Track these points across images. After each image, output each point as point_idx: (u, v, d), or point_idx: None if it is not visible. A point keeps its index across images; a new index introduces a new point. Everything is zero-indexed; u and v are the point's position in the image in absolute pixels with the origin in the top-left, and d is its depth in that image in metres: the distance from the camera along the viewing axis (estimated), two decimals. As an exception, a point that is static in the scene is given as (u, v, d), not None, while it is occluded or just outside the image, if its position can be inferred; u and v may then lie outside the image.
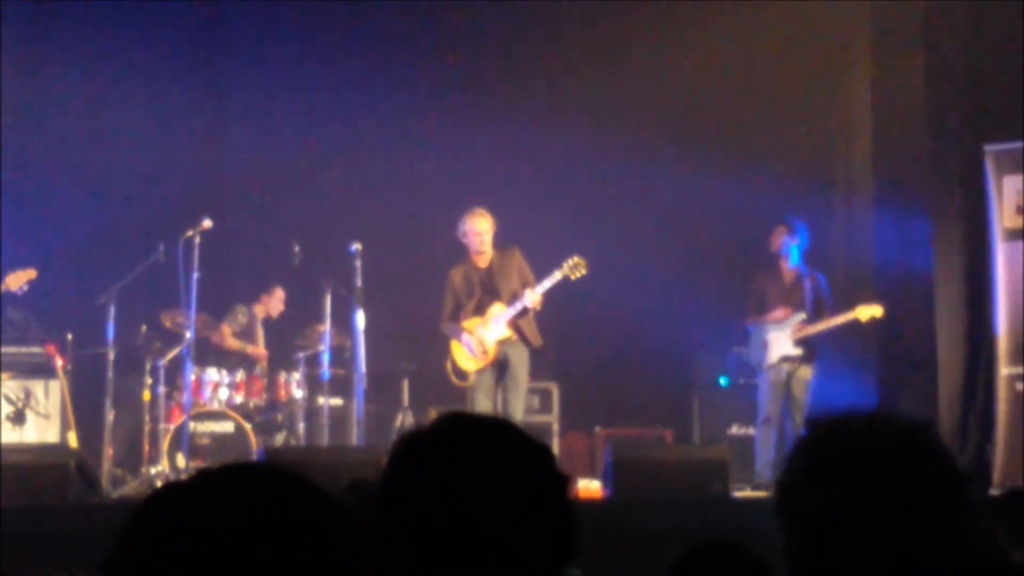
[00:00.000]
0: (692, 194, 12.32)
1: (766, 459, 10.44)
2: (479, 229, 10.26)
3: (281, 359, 11.82)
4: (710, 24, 12.30)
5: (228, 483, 1.47)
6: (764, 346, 10.66)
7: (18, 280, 10.19)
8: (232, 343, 11.79)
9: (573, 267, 10.10)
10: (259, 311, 12.09)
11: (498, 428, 2.12)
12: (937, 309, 11.24)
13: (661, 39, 12.43)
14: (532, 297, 10.10)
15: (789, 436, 10.51)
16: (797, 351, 10.58)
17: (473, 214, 10.29)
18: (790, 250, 10.74)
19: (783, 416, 10.61)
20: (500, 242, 10.35)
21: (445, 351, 10.47)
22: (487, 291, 10.33)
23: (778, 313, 10.64)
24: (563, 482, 2.10)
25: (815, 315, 10.61)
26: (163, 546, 1.39)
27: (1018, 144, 10.63)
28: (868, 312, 10.44)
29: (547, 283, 10.13)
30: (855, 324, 10.56)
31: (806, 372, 10.59)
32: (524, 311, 10.20)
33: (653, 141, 12.52)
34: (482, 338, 10.22)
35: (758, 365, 10.74)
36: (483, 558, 1.96)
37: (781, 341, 10.60)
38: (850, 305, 10.55)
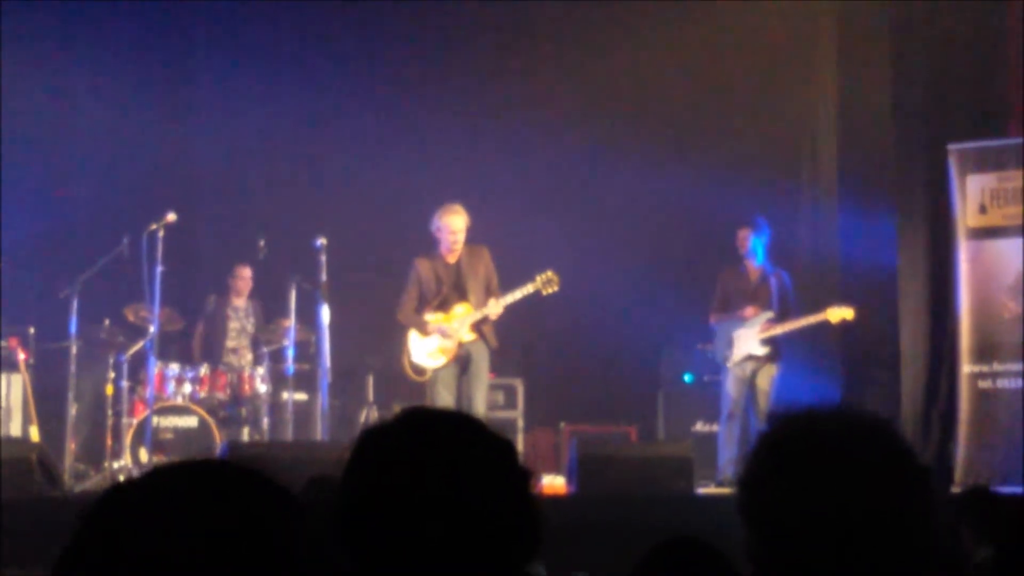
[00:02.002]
0: (658, 192, 12.33)
1: (729, 455, 10.47)
2: (454, 227, 10.16)
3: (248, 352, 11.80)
4: (677, 24, 12.32)
5: (181, 481, 1.45)
6: (730, 343, 10.69)
7: None
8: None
9: (546, 282, 10.05)
10: (232, 297, 11.95)
11: (460, 422, 2.11)
12: (901, 307, 11.31)
13: (629, 39, 12.44)
14: (494, 308, 10.07)
15: (753, 433, 10.54)
16: (763, 350, 10.62)
17: (449, 211, 10.19)
18: (756, 250, 10.78)
19: (747, 413, 10.65)
20: (468, 237, 10.31)
21: (402, 345, 10.42)
22: (454, 289, 10.28)
23: (746, 311, 10.68)
24: (525, 477, 2.09)
25: (781, 314, 10.65)
26: (115, 547, 1.38)
27: (982, 143, 10.71)
28: (839, 314, 10.48)
29: (517, 294, 10.09)
30: (824, 325, 10.61)
31: (771, 371, 10.63)
32: (484, 318, 10.17)
33: (619, 139, 12.54)
34: (447, 335, 10.19)
35: (723, 361, 10.77)
36: (445, 553, 1.96)
37: (748, 339, 10.64)
38: (818, 305, 10.60)
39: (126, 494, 1.46)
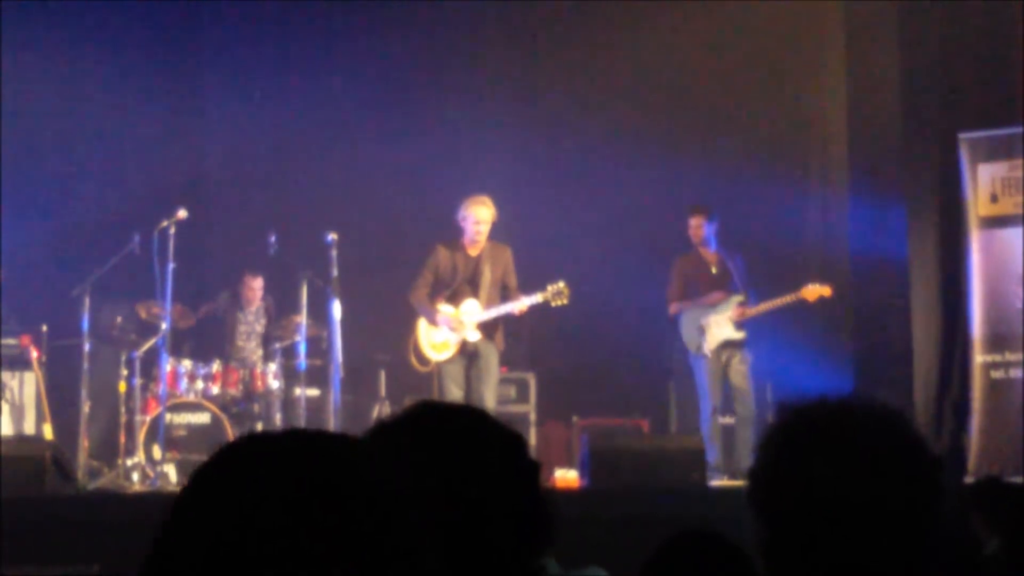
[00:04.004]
0: (669, 183, 12.32)
1: (718, 448, 10.42)
2: (479, 218, 10.17)
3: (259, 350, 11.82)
4: (686, 17, 12.32)
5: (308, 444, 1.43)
6: (701, 331, 10.58)
7: None
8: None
9: (556, 294, 10.02)
10: (243, 303, 11.97)
11: (469, 416, 2.12)
12: (912, 297, 11.28)
13: (638, 30, 12.43)
14: (520, 306, 10.06)
15: (738, 422, 10.51)
16: (739, 334, 10.53)
17: (477, 200, 10.20)
18: (710, 237, 10.72)
19: (729, 403, 10.61)
20: (490, 234, 10.31)
21: (410, 333, 10.42)
22: (468, 282, 10.28)
23: (714, 296, 10.61)
24: (535, 470, 2.10)
25: (746, 297, 10.58)
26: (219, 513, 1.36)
27: (993, 132, 10.68)
28: (816, 291, 10.39)
29: (526, 301, 10.08)
30: (806, 305, 10.51)
31: (746, 356, 10.54)
32: (496, 320, 10.17)
33: (628, 132, 12.51)
34: (454, 330, 10.20)
35: (697, 350, 10.66)
36: (456, 547, 1.96)
37: (721, 325, 10.54)
38: (797, 286, 10.52)
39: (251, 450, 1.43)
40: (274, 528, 1.32)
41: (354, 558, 1.33)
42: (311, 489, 1.35)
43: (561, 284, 10.02)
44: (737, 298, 10.54)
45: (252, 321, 11.91)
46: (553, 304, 10.05)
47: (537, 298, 10.04)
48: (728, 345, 10.54)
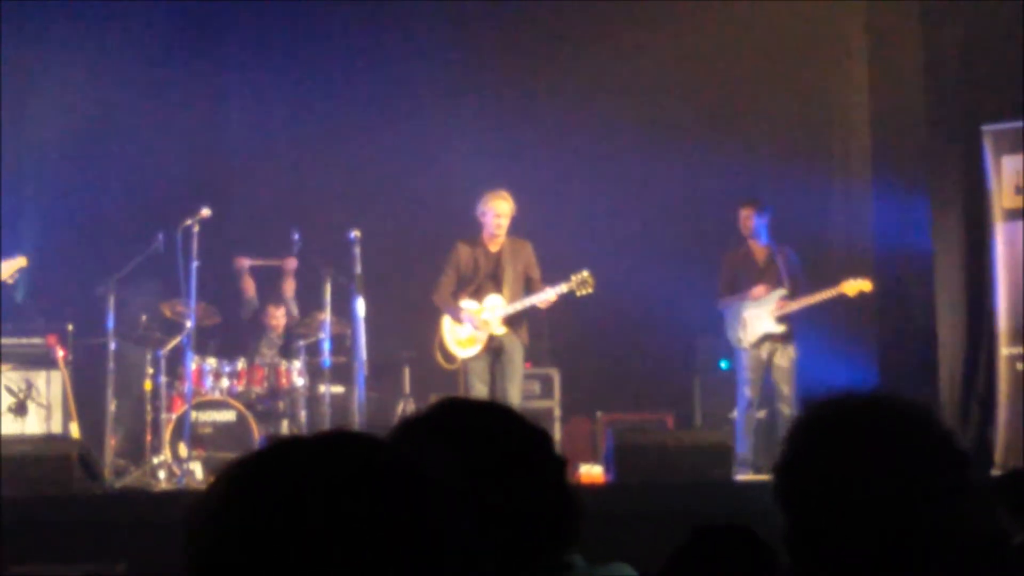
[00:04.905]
0: (692, 177, 12.31)
1: (747, 441, 10.42)
2: (499, 211, 10.23)
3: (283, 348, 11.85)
4: (707, 10, 12.29)
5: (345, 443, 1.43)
6: (742, 325, 10.60)
7: (8, 269, 10.15)
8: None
9: (580, 283, 10.05)
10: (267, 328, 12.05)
11: (495, 412, 2.12)
12: (937, 290, 11.23)
13: (661, 25, 12.40)
14: (546, 297, 10.07)
15: (779, 419, 10.49)
16: (779, 328, 10.52)
17: (496, 195, 10.27)
18: (760, 229, 10.72)
19: (769, 399, 10.59)
20: (511, 230, 10.33)
21: (435, 330, 10.44)
22: (490, 277, 10.31)
23: (759, 290, 10.60)
24: (560, 466, 2.10)
25: (792, 291, 10.57)
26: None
27: (1016, 124, 10.62)
28: (856, 286, 10.38)
29: (551, 292, 10.10)
30: (843, 299, 10.51)
31: (790, 352, 10.53)
32: (520, 313, 10.18)
33: (652, 126, 12.50)
34: (478, 327, 10.22)
35: (737, 344, 10.68)
36: (482, 544, 1.96)
37: (761, 318, 10.55)
38: (836, 280, 10.51)
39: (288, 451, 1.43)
40: (311, 531, 1.32)
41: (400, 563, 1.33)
42: (347, 490, 1.35)
43: (585, 273, 10.04)
44: (780, 292, 10.54)
45: (274, 339, 11.99)
46: (578, 294, 10.07)
47: (562, 288, 10.06)
48: (769, 339, 10.54)
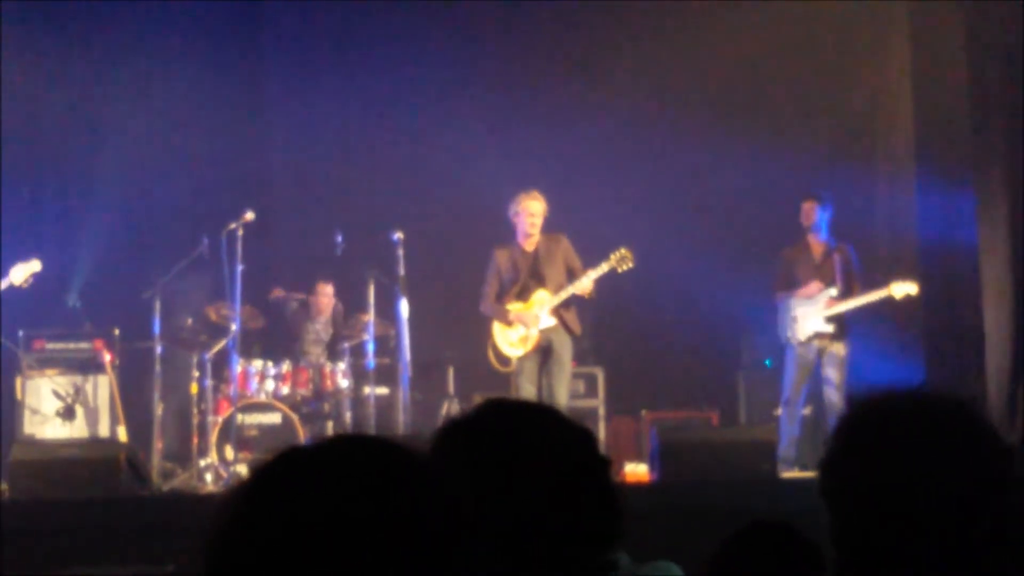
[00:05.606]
0: (737, 174, 12.27)
1: (790, 438, 10.36)
2: (532, 211, 10.26)
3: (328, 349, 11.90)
4: (753, 2, 12.25)
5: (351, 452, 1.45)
6: (793, 321, 10.56)
7: (24, 274, 10.18)
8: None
9: (620, 260, 10.08)
10: (313, 313, 12.08)
11: (539, 413, 2.13)
12: (983, 285, 11.15)
13: (704, 21, 12.38)
14: (585, 284, 10.09)
15: (828, 415, 10.44)
16: (829, 327, 10.46)
17: (528, 195, 10.30)
18: (821, 223, 10.66)
19: (817, 395, 10.54)
20: (546, 227, 10.35)
21: (487, 336, 10.47)
22: (532, 276, 10.33)
23: (810, 288, 10.54)
24: (605, 465, 2.10)
25: (846, 289, 10.49)
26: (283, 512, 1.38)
27: (1062, 117, 10.54)
28: (903, 289, 10.29)
29: (593, 274, 10.11)
30: (890, 301, 10.45)
31: (839, 349, 10.45)
32: (568, 302, 10.20)
33: (697, 123, 12.47)
34: (527, 324, 10.24)
35: (787, 340, 10.64)
36: (527, 542, 1.97)
37: (811, 316, 10.48)
38: (884, 281, 10.44)
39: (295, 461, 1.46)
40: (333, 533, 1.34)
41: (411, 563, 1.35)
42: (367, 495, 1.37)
43: (623, 250, 10.07)
44: (831, 291, 10.47)
45: (320, 330, 12.03)
46: (619, 270, 10.09)
47: (603, 268, 10.09)
48: (819, 337, 10.47)
